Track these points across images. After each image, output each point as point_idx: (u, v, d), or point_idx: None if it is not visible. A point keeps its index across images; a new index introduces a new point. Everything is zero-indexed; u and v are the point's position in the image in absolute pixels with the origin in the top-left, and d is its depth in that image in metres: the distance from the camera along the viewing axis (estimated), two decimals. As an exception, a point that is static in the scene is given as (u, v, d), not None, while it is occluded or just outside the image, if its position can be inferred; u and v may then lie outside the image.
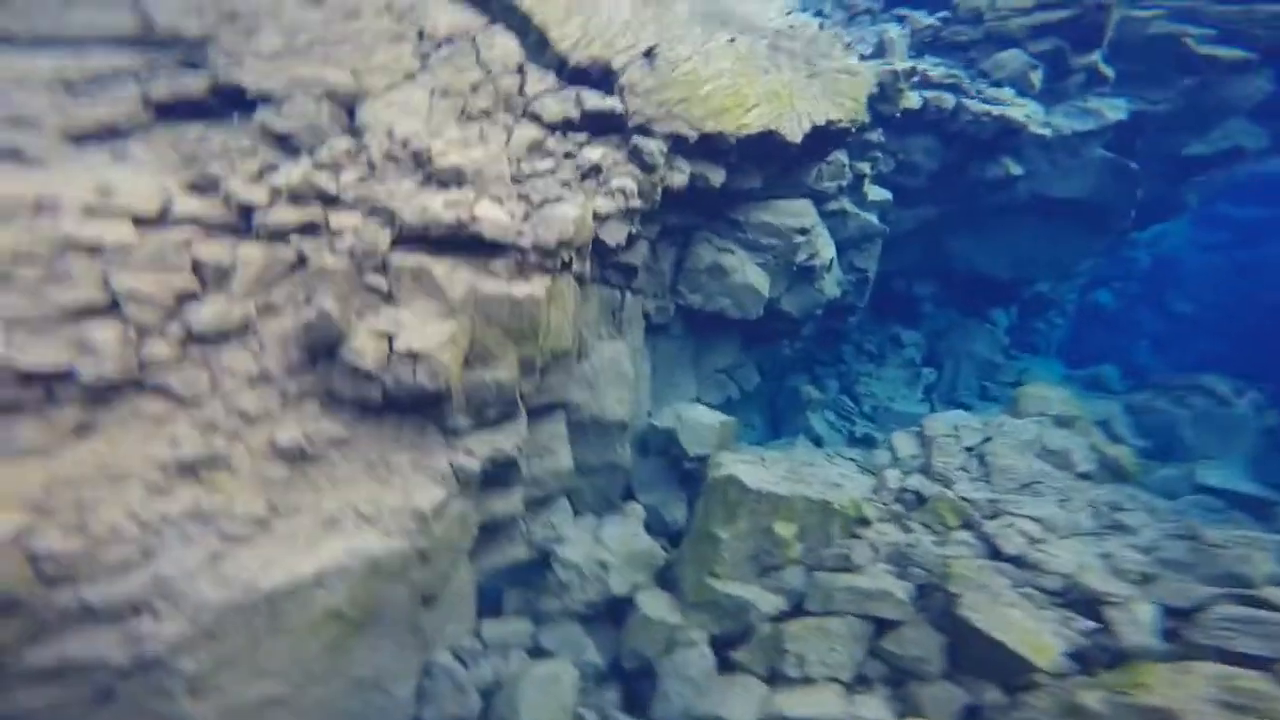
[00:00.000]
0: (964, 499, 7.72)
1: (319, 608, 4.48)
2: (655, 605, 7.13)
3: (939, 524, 7.47)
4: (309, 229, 5.66)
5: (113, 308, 4.71)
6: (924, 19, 12.56)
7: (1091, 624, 6.29)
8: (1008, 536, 7.12)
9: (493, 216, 6.14)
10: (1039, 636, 5.95)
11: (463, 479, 5.98)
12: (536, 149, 7.55)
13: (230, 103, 6.59)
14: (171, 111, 6.52)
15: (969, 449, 8.74)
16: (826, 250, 11.02)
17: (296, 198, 5.69)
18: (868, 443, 12.85)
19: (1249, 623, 5.89)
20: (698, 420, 8.86)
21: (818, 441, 12.87)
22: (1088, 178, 14.02)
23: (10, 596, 3.72)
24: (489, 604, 7.66)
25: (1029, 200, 14.44)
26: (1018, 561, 6.94)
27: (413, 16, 7.49)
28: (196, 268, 5.17)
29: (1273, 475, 12.29)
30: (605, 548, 7.44)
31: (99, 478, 4.26)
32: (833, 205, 11.88)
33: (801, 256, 10.49)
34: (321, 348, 5.28)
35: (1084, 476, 8.68)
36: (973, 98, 12.20)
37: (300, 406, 5.22)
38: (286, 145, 6.47)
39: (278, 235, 5.55)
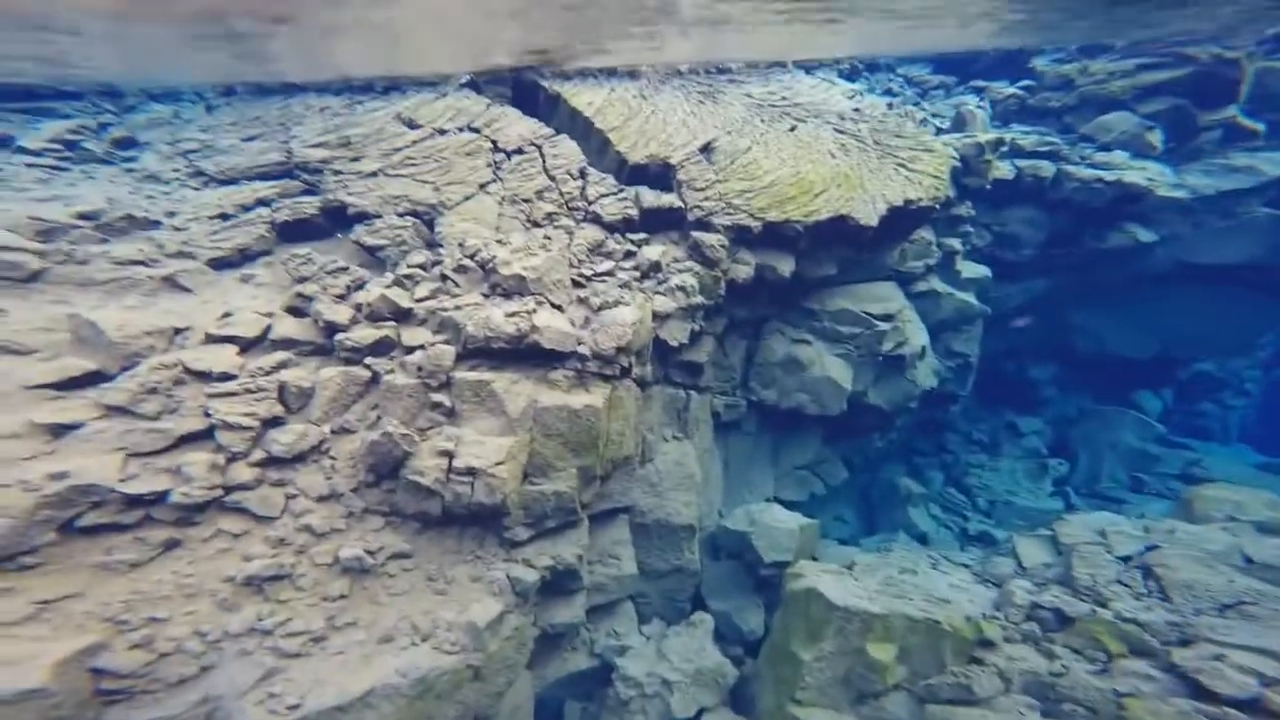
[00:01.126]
0: (1129, 620, 6.73)
1: (364, 733, 4.88)
2: (725, 737, 6.99)
3: (1096, 650, 6.56)
4: (383, 347, 6.51)
5: (209, 433, 5.66)
6: (1005, 89, 12.91)
7: None
8: (1220, 673, 6.01)
9: (552, 325, 6.86)
10: None
11: (520, 590, 6.36)
12: (597, 250, 8.40)
13: (337, 223, 7.93)
14: (291, 233, 7.91)
15: (1124, 559, 7.75)
16: (917, 336, 11.05)
17: (374, 316, 6.60)
18: (985, 540, 12.11)
19: None
20: (773, 523, 8.86)
21: (922, 539, 12.28)
22: (1249, 239, 13.27)
23: (66, 715, 4.20)
24: (550, 717, 7.82)
25: (1173, 269, 13.83)
26: (1249, 708, 5.79)
27: (489, 130, 8.85)
28: (282, 391, 6.08)
29: None
30: (669, 663, 7.44)
31: (176, 594, 4.93)
32: (921, 286, 11.99)
33: (888, 345, 10.58)
34: (385, 466, 5.99)
35: None
36: (1076, 163, 12.22)
37: (365, 522, 5.88)
38: (377, 261, 7.70)
39: (355, 355, 6.41)
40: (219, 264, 7.14)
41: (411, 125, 8.15)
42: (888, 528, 12.55)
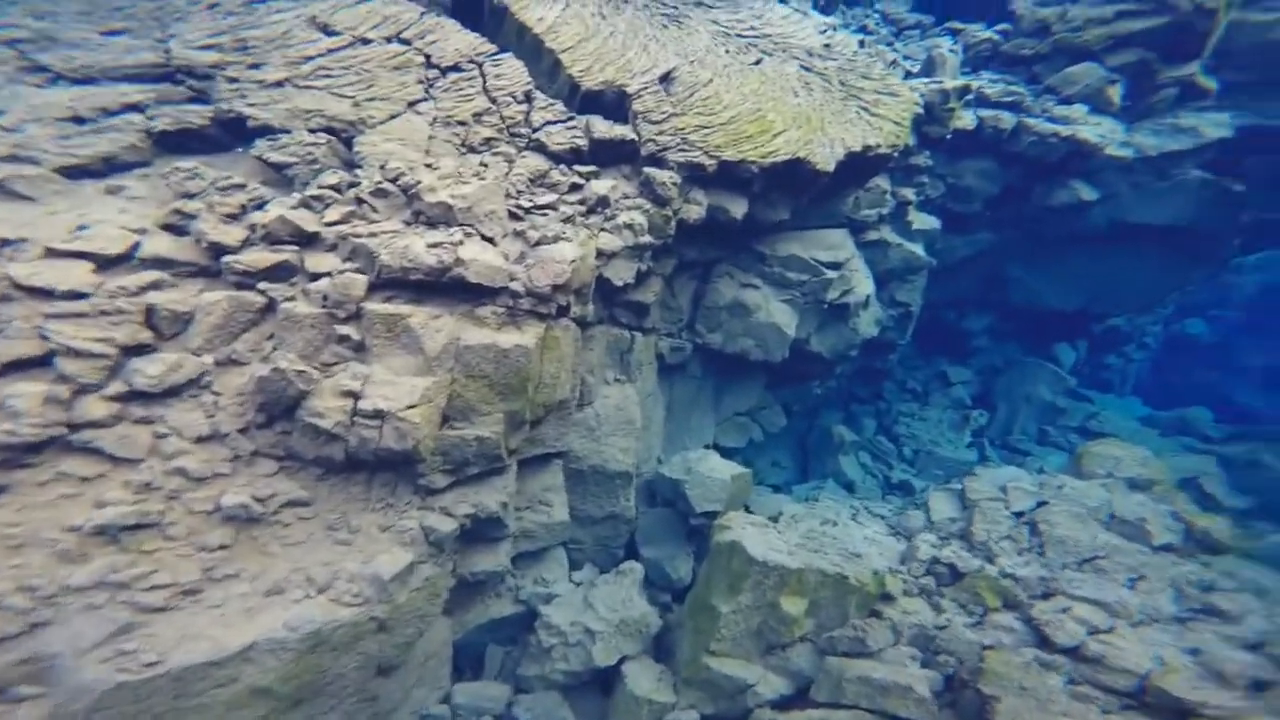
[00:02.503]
0: (1008, 575, 6.91)
1: (241, 686, 4.25)
2: (643, 680, 6.68)
3: (976, 604, 6.72)
4: (282, 272, 5.52)
5: (47, 360, 4.64)
6: (980, 32, 11.84)
7: None
8: (1061, 624, 6.30)
9: (481, 258, 5.93)
10: None
11: (435, 540, 5.73)
12: (539, 181, 7.35)
13: (235, 136, 6.65)
14: (174, 145, 6.63)
15: (1019, 515, 7.90)
16: (863, 286, 10.44)
17: (272, 238, 5.58)
18: (905, 490, 12.08)
19: None
20: (709, 473, 8.41)
21: (849, 487, 12.18)
22: (1181, 202, 12.80)
23: None
24: (472, 662, 7.41)
25: (1107, 227, 13.40)
26: (1073, 653, 6.11)
27: (421, 43, 7.46)
28: (150, 315, 5.07)
29: None
30: (594, 612, 7.05)
31: (-6, 546, 4.15)
32: (872, 235, 11.29)
33: (833, 294, 9.95)
34: (278, 406, 5.12)
35: (1165, 549, 7.71)
36: (1037, 116, 11.40)
37: (255, 466, 5.05)
38: (284, 180, 6.49)
39: (247, 279, 5.42)
40: (74, 172, 5.85)
41: (327, 31, 6.78)
42: (820, 474, 12.43)
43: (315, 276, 5.49)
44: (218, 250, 5.52)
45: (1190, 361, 25.41)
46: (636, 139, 8.16)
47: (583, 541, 8.37)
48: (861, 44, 11.07)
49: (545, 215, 7.11)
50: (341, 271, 5.47)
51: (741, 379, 10.94)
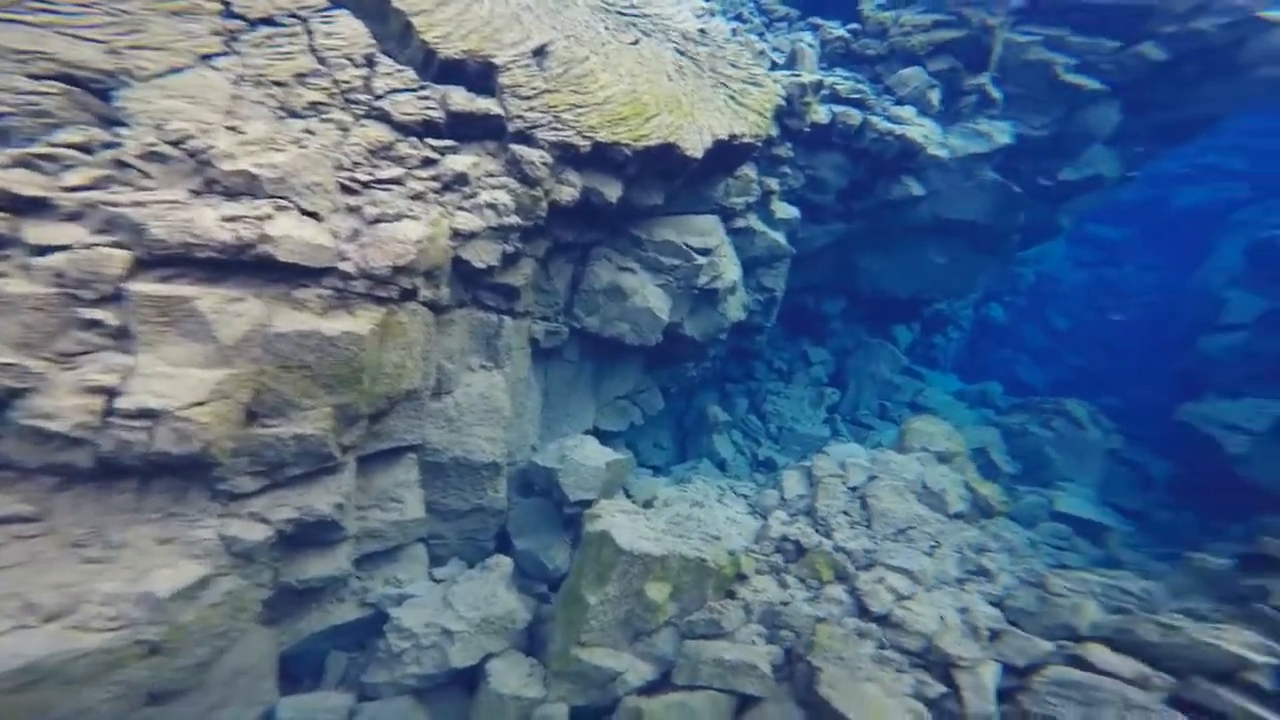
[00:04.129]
0: (840, 549, 6.95)
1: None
2: (510, 677, 5.90)
3: (814, 578, 6.64)
4: None
5: None
6: (835, 30, 11.69)
7: (943, 689, 5.71)
8: (876, 593, 6.41)
9: (298, 235, 4.65)
10: (888, 715, 5.18)
11: (239, 550, 4.54)
12: (382, 153, 6.06)
13: None
14: None
15: (853, 489, 7.97)
16: (730, 271, 10.01)
17: None
18: (769, 466, 12.07)
19: (1071, 687, 5.54)
20: (583, 461, 7.63)
21: (722, 466, 11.97)
22: (981, 200, 13.73)
23: None
24: (313, 670, 6.23)
25: (930, 221, 14.03)
26: (883, 620, 6.25)
27: None
28: None
29: (1116, 493, 12.83)
30: (454, 611, 6.12)
31: None
32: (740, 222, 10.88)
33: (704, 279, 9.42)
34: None
35: (958, 516, 8.11)
36: (878, 115, 11.46)
37: None
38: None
39: None
40: None
41: None
42: (696, 453, 12.15)
43: (44, 250, 3.96)
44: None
45: (991, 341, 28.18)
46: (503, 114, 7.03)
47: (445, 536, 7.34)
48: (734, 32, 10.51)
49: (389, 191, 5.88)
50: (89, 246, 3.99)
51: (620, 362, 10.24)
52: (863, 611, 6.26)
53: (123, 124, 4.60)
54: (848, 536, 7.15)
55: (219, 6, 5.49)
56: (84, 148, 4.42)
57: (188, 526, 4.29)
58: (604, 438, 10.43)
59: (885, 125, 11.33)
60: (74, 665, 3.57)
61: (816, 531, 7.21)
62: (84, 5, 4.81)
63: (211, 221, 4.22)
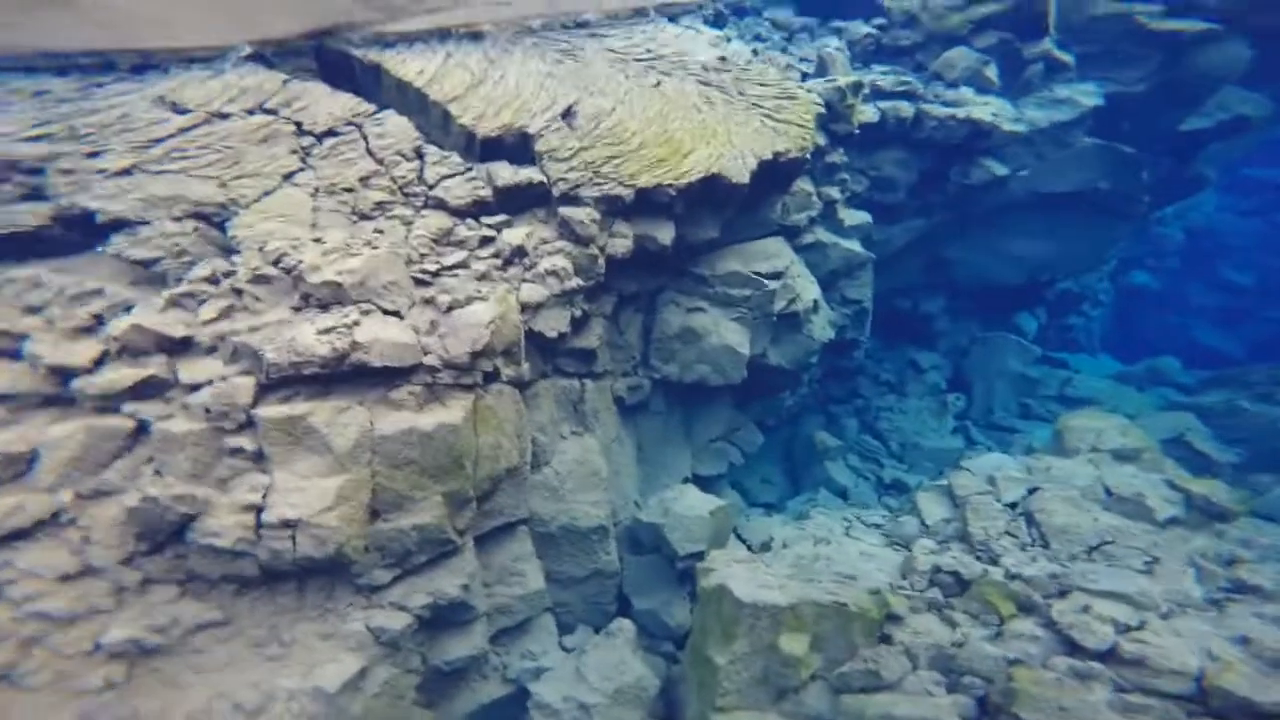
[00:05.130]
0: (1015, 576, 6.26)
1: None
2: (653, 757, 5.94)
3: (990, 613, 5.99)
4: (150, 388, 4.80)
5: None
6: (861, 28, 12.04)
7: None
8: (1086, 625, 5.60)
9: (384, 337, 5.35)
10: None
11: (387, 640, 4.99)
12: (445, 240, 6.88)
13: (86, 235, 5.73)
14: (9, 250, 5.63)
15: (1012, 506, 7.32)
16: (808, 291, 10.11)
17: (131, 350, 4.85)
18: (899, 488, 11.54)
19: None
20: (685, 512, 7.76)
21: (843, 494, 11.59)
22: (1083, 167, 13.10)
23: None
24: None
25: (1026, 198, 13.55)
26: (1110, 657, 5.42)
27: (289, 110, 7.02)
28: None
29: None
30: (586, 683, 6.28)
31: None
32: (808, 238, 11.03)
33: (780, 304, 9.57)
34: (160, 533, 4.44)
35: (1171, 523, 7.22)
36: (931, 102, 11.49)
37: (147, 595, 4.33)
38: (157, 278, 5.78)
39: (106, 403, 4.72)
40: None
41: (177, 109, 6.29)
42: (810, 484, 11.80)
43: (194, 387, 4.83)
44: (64, 373, 4.79)
45: (1146, 310, 25.88)
46: (546, 180, 7.77)
47: (569, 603, 7.61)
48: (755, 52, 11.06)
49: (456, 276, 6.61)
50: (223, 378, 4.85)
51: (708, 404, 10.43)
52: (1073, 649, 5.55)
53: (236, 251, 5.60)
54: (1020, 561, 6.46)
55: (293, 127, 6.65)
56: (211, 279, 5.31)
57: (340, 621, 4.83)
58: (704, 483, 10.44)
59: (944, 110, 11.33)
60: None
61: (978, 559, 6.73)
62: (204, 146, 6.04)
63: (310, 336, 4.96)
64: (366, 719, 4.58)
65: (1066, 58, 12.19)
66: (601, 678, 6.18)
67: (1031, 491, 7.44)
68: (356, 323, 5.27)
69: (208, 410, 4.69)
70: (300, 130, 6.69)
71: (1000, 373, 14.27)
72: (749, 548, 8.81)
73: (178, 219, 5.52)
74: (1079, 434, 8.53)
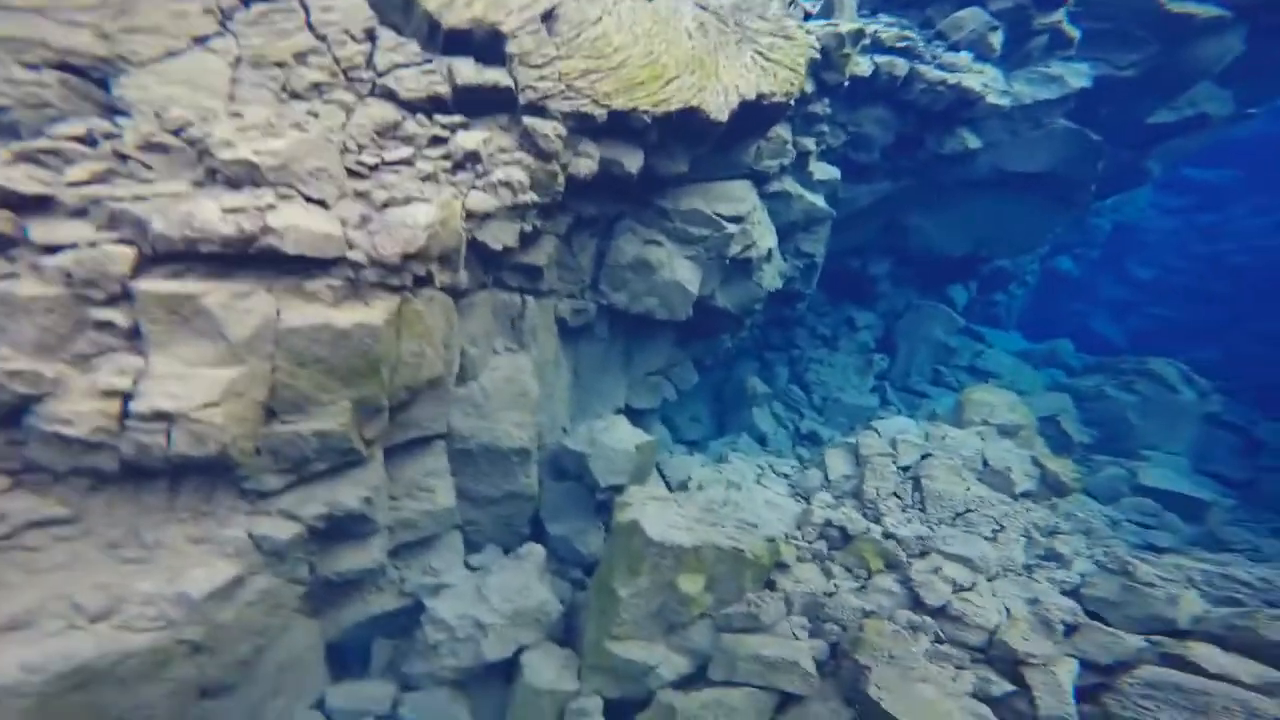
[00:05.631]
0: (890, 535, 6.49)
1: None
2: (544, 670, 5.89)
3: (862, 567, 6.25)
4: None
5: None
6: (878, -29, 10.80)
7: (1011, 688, 5.25)
8: (931, 584, 5.95)
9: (303, 225, 4.58)
10: (947, 717, 4.80)
11: (271, 549, 4.61)
12: (389, 133, 5.92)
13: None
14: None
15: (904, 469, 7.45)
16: (765, 239, 9.51)
17: None
18: (813, 440, 11.64)
19: (1170, 690, 4.97)
20: (612, 445, 7.48)
21: (763, 440, 11.63)
22: (1050, 150, 12.57)
23: None
24: (361, 657, 6.42)
25: (989, 174, 12.97)
26: (940, 613, 5.80)
27: None
28: None
29: (1213, 461, 11.64)
30: (487, 602, 6.14)
31: None
32: (775, 186, 10.29)
33: (735, 248, 8.99)
34: None
35: (1025, 496, 7.49)
36: (928, 63, 10.54)
37: None
38: (3, 131, 4.69)
39: None
40: None
41: None
42: (735, 427, 11.83)
43: (52, 249, 4.00)
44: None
45: (1061, 295, 26.38)
46: (513, 85, 6.75)
47: (480, 523, 7.37)
48: (759, -18, 9.76)
49: (398, 173, 5.75)
50: (94, 244, 4.01)
51: (651, 337, 9.98)
52: (916, 603, 5.87)
53: (123, 113, 4.59)
54: (899, 521, 6.71)
55: None
56: (86, 139, 4.42)
57: (219, 526, 4.38)
58: (636, 415, 10.26)
59: (936, 74, 10.41)
60: (124, 665, 3.71)
61: (864, 516, 6.80)
62: None
63: (213, 214, 4.18)
64: (232, 626, 4.19)
65: (1073, 32, 11.45)
66: (503, 599, 6.03)
67: (924, 457, 7.59)
68: (271, 205, 4.49)
69: (68, 275, 3.91)
70: None
71: (925, 339, 14.34)
72: (668, 484, 8.70)
73: (34, 67, 4.36)
74: (976, 407, 8.71)
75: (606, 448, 7.44)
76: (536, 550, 6.85)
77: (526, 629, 6.09)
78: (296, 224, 4.54)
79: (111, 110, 4.63)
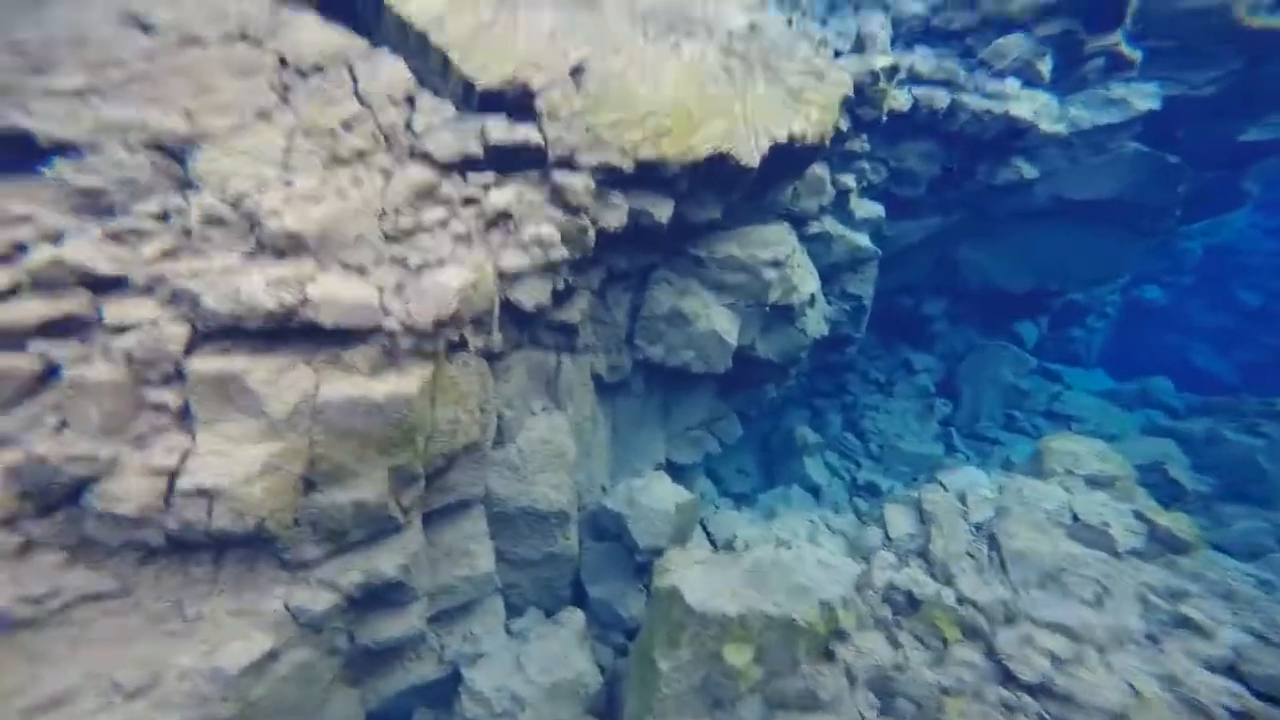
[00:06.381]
0: (967, 601, 6.10)
1: None
2: (584, 754, 5.80)
3: (935, 636, 5.87)
4: (66, 327, 4.35)
5: None
6: (910, 6, 11.08)
7: None
8: (1025, 656, 5.49)
9: (339, 296, 4.94)
10: None
11: (308, 620, 4.77)
12: (426, 196, 6.37)
13: (24, 156, 4.98)
14: None
15: (977, 526, 7.11)
16: (807, 283, 9.59)
17: (47, 283, 4.35)
18: (871, 491, 11.30)
19: None
20: (651, 505, 7.48)
21: (815, 492, 11.37)
22: (1118, 175, 12.34)
23: None
24: None
25: (1047, 204, 12.81)
26: (1039, 691, 5.31)
27: (272, 43, 6.36)
28: None
29: None
30: (524, 673, 6.11)
31: None
32: (814, 227, 10.45)
33: (775, 295, 9.08)
34: (52, 494, 4.10)
35: (1130, 554, 7.00)
36: (971, 93, 10.67)
37: (27, 561, 4.03)
38: (103, 210, 5.24)
39: (10, 339, 4.25)
40: None
41: (145, 28, 5.67)
42: (785, 478, 11.57)
43: (122, 330, 4.41)
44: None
45: (1149, 327, 25.17)
46: (543, 141, 7.19)
47: (520, 585, 7.41)
48: (790, 22, 10.21)
49: (433, 235, 6.13)
50: (154, 322, 4.43)
51: (689, 390, 10.05)
52: (1007, 678, 5.43)
53: (195, 188, 5.05)
54: (974, 585, 6.31)
55: (275, 60, 6.01)
56: (161, 215, 4.81)
57: (259, 597, 4.57)
58: (678, 470, 10.22)
59: (981, 103, 10.53)
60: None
61: (934, 579, 6.49)
62: (173, 73, 5.33)
63: (258, 287, 4.55)
64: (267, 702, 4.31)
65: (1133, 54, 11.30)
66: (540, 670, 5.99)
67: (1000, 512, 7.12)
68: (312, 277, 4.82)
69: (131, 357, 4.26)
70: (283, 64, 6.04)
71: (992, 381, 13.87)
72: (713, 542, 8.58)
73: (132, 148, 4.96)
74: (1057, 456, 8.25)
75: (645, 508, 7.45)
76: (576, 616, 6.83)
77: (564, 702, 6.01)
78: (334, 295, 4.86)
79: (186, 185, 5.09)
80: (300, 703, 4.73)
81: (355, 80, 6.48)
